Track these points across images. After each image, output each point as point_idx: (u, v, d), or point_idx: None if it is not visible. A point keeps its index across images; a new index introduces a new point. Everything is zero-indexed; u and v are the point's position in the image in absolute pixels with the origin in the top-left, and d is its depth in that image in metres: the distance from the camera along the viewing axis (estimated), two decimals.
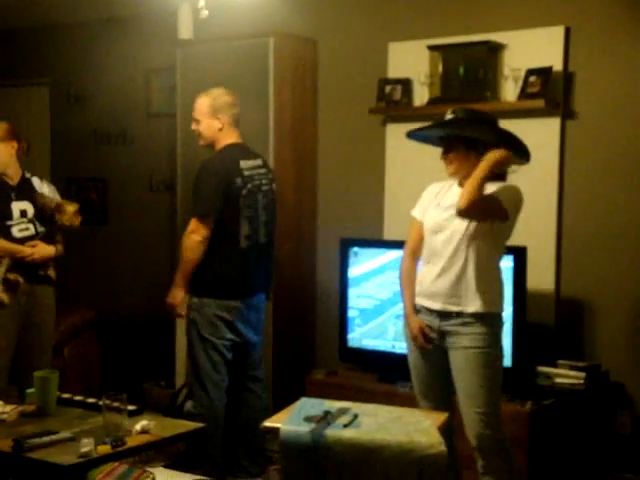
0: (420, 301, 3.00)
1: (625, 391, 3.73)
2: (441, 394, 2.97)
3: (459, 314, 2.88)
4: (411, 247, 3.09)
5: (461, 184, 2.92)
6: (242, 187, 3.58)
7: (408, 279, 3.05)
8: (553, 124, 3.83)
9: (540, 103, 3.73)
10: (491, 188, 2.87)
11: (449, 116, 2.92)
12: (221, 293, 3.58)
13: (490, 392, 2.83)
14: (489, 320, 2.87)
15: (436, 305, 2.93)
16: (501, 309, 2.94)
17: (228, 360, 3.64)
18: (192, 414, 3.54)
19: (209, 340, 3.58)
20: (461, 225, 2.88)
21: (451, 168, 2.93)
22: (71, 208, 3.77)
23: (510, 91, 3.88)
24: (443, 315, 2.91)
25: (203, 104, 3.64)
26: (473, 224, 2.86)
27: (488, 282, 2.88)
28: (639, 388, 3.71)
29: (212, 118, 3.62)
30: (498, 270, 2.95)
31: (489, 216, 2.83)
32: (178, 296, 3.59)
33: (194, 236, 3.50)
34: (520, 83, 3.83)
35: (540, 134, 3.85)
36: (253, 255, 3.64)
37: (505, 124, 3.70)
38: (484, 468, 2.86)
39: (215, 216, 3.51)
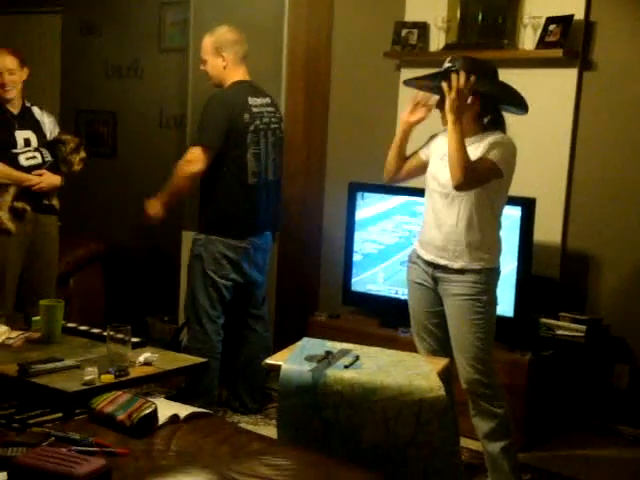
0: (417, 249, 3.01)
1: (625, 345, 3.75)
2: (437, 338, 2.99)
3: (446, 268, 2.89)
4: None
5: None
6: (250, 123, 3.55)
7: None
8: (570, 75, 3.77)
9: (558, 53, 3.67)
10: (485, 141, 2.82)
11: (447, 64, 2.86)
12: (227, 231, 3.58)
13: (479, 339, 2.85)
14: (479, 272, 2.87)
15: (427, 256, 2.95)
16: (494, 264, 2.91)
17: (227, 299, 3.67)
18: (188, 348, 3.59)
19: (211, 277, 3.60)
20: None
21: (445, 119, 2.85)
22: (77, 158, 3.77)
23: (529, 39, 3.81)
24: (433, 265, 2.93)
25: (207, 43, 3.63)
26: None
27: (480, 239, 2.85)
28: (638, 343, 3.73)
29: (216, 56, 3.60)
30: (493, 226, 2.91)
31: (487, 180, 2.80)
32: (155, 207, 3.60)
33: (192, 166, 3.49)
34: (539, 31, 3.75)
35: (557, 84, 3.80)
36: (261, 193, 3.63)
37: (522, 73, 3.68)
38: (473, 410, 2.91)
39: (216, 149, 3.48)
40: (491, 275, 2.90)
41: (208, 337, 3.63)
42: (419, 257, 2.99)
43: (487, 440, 2.91)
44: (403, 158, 3.03)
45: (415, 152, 3.05)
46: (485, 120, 2.87)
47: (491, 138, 2.83)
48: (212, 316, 3.65)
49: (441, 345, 2.98)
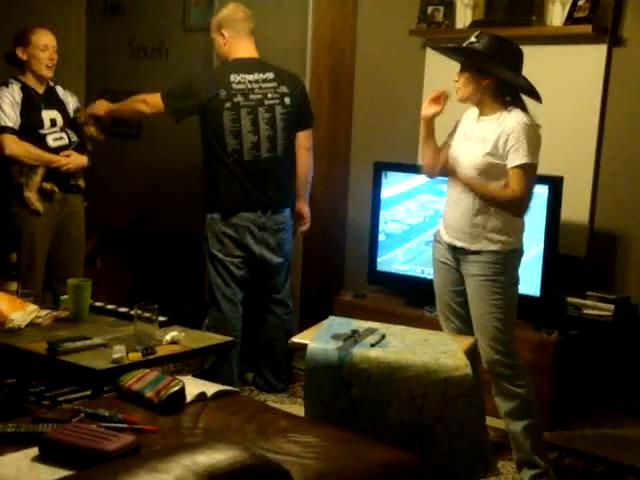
0: (441, 229, 3.00)
1: None
2: (462, 317, 2.98)
3: (464, 249, 2.87)
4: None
5: (480, 112, 2.87)
6: (226, 100, 3.56)
7: None
8: (600, 51, 3.71)
9: (587, 29, 3.61)
10: (503, 125, 2.76)
11: (472, 39, 2.82)
12: (223, 208, 3.62)
13: (498, 319, 2.83)
14: (497, 253, 2.84)
15: (447, 237, 2.94)
16: (514, 246, 2.87)
17: (239, 276, 3.68)
18: (208, 327, 3.61)
19: (216, 256, 3.64)
20: (475, 160, 2.81)
21: (460, 93, 2.85)
22: (92, 128, 3.82)
23: (557, 15, 3.75)
24: (453, 247, 2.92)
25: (213, 22, 3.72)
26: (487, 163, 2.79)
27: (498, 222, 2.81)
28: None
29: (218, 34, 3.67)
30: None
31: (533, 183, 2.78)
32: (102, 106, 3.89)
33: (143, 106, 3.74)
34: (568, 7, 3.69)
35: (585, 61, 3.74)
36: (252, 170, 3.61)
37: (550, 50, 3.64)
38: (495, 390, 2.91)
39: (172, 111, 3.66)
40: (510, 256, 2.86)
41: (225, 317, 3.66)
42: (441, 237, 2.98)
43: (509, 419, 2.91)
44: (437, 152, 2.98)
45: (445, 142, 3.00)
46: (507, 98, 2.82)
47: (509, 123, 2.76)
48: (227, 294, 3.66)
49: (466, 324, 2.97)
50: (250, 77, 3.62)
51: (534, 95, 2.84)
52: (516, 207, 2.79)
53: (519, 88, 2.84)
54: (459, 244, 2.89)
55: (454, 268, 2.96)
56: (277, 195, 3.71)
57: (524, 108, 2.83)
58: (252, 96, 3.61)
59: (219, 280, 3.66)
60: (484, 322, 2.85)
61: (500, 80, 2.79)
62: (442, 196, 3.90)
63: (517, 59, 2.83)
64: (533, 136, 2.76)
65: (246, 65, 3.64)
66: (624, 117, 3.74)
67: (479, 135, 2.84)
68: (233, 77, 3.59)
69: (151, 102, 3.68)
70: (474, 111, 2.95)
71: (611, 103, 3.75)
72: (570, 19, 3.68)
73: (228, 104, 3.56)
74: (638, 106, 3.71)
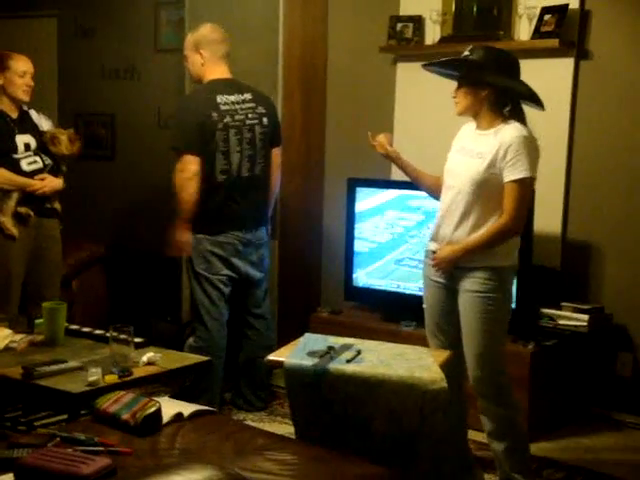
0: (431, 246, 2.96)
1: (627, 333, 3.76)
2: (450, 334, 2.94)
3: (460, 266, 2.84)
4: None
5: (477, 126, 2.85)
6: (218, 121, 3.58)
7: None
8: (567, 64, 3.77)
9: (554, 43, 3.66)
10: (498, 136, 2.75)
11: (466, 53, 2.83)
12: (211, 229, 3.62)
13: (488, 336, 2.81)
14: (492, 269, 2.82)
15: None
16: (508, 262, 2.85)
17: (226, 294, 3.69)
18: (192, 347, 3.60)
19: (204, 275, 3.63)
20: (474, 175, 2.78)
21: (459, 107, 2.85)
22: (63, 137, 3.77)
23: (524, 30, 3.81)
24: None
25: (188, 41, 3.72)
26: (485, 178, 2.76)
27: None
28: None
29: (195, 53, 3.66)
30: None
31: (529, 198, 2.83)
32: (178, 235, 3.60)
33: (181, 174, 3.52)
34: (534, 22, 3.75)
35: (553, 74, 3.79)
36: (232, 190, 3.63)
37: None
38: (480, 408, 2.90)
39: (198, 150, 3.51)
40: (505, 272, 2.84)
41: (211, 336, 3.65)
42: (434, 253, 2.93)
43: (491, 438, 2.91)
44: (427, 179, 3.04)
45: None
46: (505, 110, 2.79)
47: (507, 136, 2.74)
48: (214, 314, 3.66)
49: (453, 343, 2.93)
50: (232, 98, 3.65)
51: (535, 101, 2.83)
52: (511, 231, 2.78)
53: (519, 95, 2.81)
54: None
55: (446, 286, 2.91)
56: (258, 212, 3.76)
57: (523, 120, 2.80)
58: (237, 117, 3.64)
59: (206, 300, 3.65)
60: (473, 338, 2.83)
61: (498, 90, 2.77)
62: (412, 212, 3.97)
63: (514, 67, 2.82)
64: (532, 149, 2.74)
65: (226, 86, 3.66)
66: (593, 129, 3.80)
67: (477, 149, 2.81)
68: (219, 98, 3.61)
69: (183, 165, 3.51)
70: (471, 125, 2.92)
71: (580, 115, 3.80)
72: (537, 33, 3.74)
73: (220, 125, 3.58)
74: (607, 117, 3.77)
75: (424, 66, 3.01)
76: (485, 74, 2.77)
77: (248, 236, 3.69)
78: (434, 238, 2.95)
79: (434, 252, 2.93)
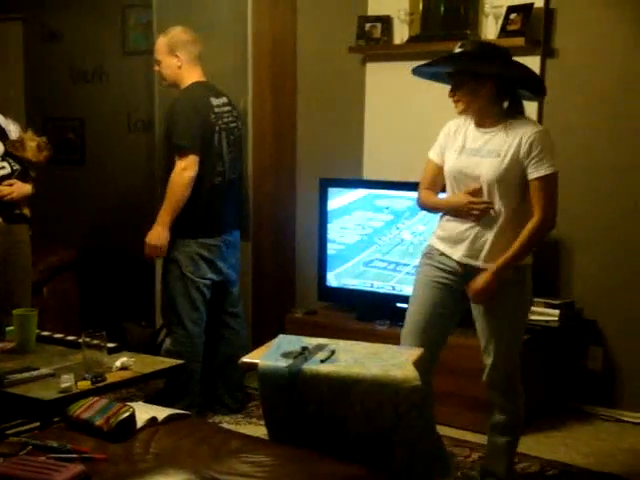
0: (441, 246, 2.87)
1: (597, 327, 3.81)
2: (438, 331, 2.91)
3: (479, 267, 2.79)
4: (426, 185, 2.91)
5: (478, 124, 2.78)
6: (215, 124, 3.59)
7: (429, 197, 2.93)
8: (533, 62, 3.77)
9: (520, 41, 3.70)
10: (515, 133, 2.70)
11: (457, 49, 2.76)
12: (200, 231, 3.59)
13: (515, 329, 2.86)
14: (517, 269, 2.79)
15: (456, 255, 2.83)
16: (529, 261, 2.84)
17: (207, 299, 3.67)
18: (171, 352, 3.59)
19: (191, 279, 3.60)
20: (495, 174, 2.71)
21: (460, 106, 2.76)
22: (33, 143, 3.71)
23: (491, 28, 3.84)
24: (463, 265, 2.83)
25: (160, 44, 3.66)
26: (507, 175, 2.71)
27: (512, 238, 2.74)
28: (611, 325, 3.79)
29: (170, 56, 3.62)
30: (526, 222, 2.77)
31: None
32: (163, 236, 3.55)
33: (186, 173, 3.47)
34: (501, 20, 3.79)
35: None
36: (224, 191, 3.66)
37: None
38: (493, 403, 2.94)
39: (200, 151, 3.49)
40: (525, 272, 2.84)
41: (191, 340, 3.64)
42: (445, 255, 2.85)
43: (494, 432, 2.93)
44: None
45: (434, 166, 2.90)
46: (505, 104, 2.75)
47: (525, 131, 2.69)
48: (195, 319, 3.64)
49: (439, 341, 2.90)
50: (218, 101, 3.66)
51: (539, 87, 2.81)
52: (549, 228, 2.79)
53: (521, 83, 2.75)
54: (474, 263, 2.80)
55: (450, 287, 2.85)
56: (238, 213, 3.81)
57: (524, 113, 2.77)
58: (224, 119, 3.66)
59: (187, 304, 3.62)
60: (500, 335, 2.82)
61: (499, 83, 2.70)
62: (379, 212, 3.99)
63: (507, 56, 2.77)
64: (552, 143, 2.73)
65: (208, 89, 3.66)
66: (560, 126, 3.83)
67: (488, 147, 2.74)
68: (213, 101, 3.62)
69: (188, 164, 3.46)
70: (462, 122, 2.84)
71: (547, 112, 3.84)
72: (503, 32, 3.78)
73: (216, 127, 3.59)
74: (573, 114, 3.82)
75: (414, 71, 2.89)
76: (482, 66, 2.69)
77: (230, 238, 3.72)
78: (449, 240, 2.85)
79: (447, 256, 2.84)
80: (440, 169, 2.89)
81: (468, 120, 2.83)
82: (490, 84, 2.71)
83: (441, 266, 2.88)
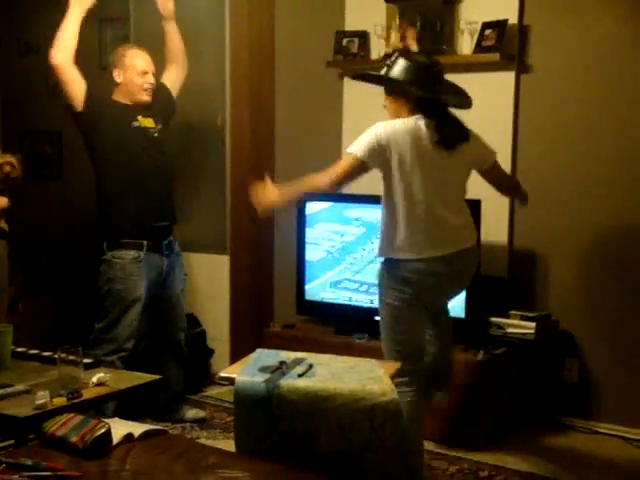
0: (428, 252, 2.93)
1: (573, 340, 3.84)
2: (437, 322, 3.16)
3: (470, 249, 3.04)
4: (342, 181, 3.00)
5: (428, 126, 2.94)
6: None
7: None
8: (508, 78, 3.85)
9: (495, 57, 3.75)
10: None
11: (388, 63, 3.00)
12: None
13: None
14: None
15: (450, 249, 2.95)
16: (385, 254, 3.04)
17: None
18: None
19: None
20: (461, 166, 3.03)
21: (388, 112, 3.05)
22: None
23: (466, 44, 3.89)
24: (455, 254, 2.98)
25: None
26: (468, 168, 3.05)
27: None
28: (586, 337, 3.82)
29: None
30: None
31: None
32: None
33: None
34: (476, 36, 3.83)
35: (495, 88, 3.87)
36: None
37: (461, 77, 3.72)
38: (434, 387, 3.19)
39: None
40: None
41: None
42: (434, 257, 2.92)
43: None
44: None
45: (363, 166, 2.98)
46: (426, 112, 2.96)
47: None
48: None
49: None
50: None
51: (457, 102, 3.01)
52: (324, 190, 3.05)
53: (433, 102, 2.95)
54: (467, 244, 3.02)
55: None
56: None
57: (431, 115, 2.94)
58: None
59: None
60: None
61: (413, 99, 2.95)
62: (347, 224, 4.00)
63: (428, 77, 2.95)
64: (367, 133, 2.94)
65: None
66: (535, 140, 3.88)
67: None
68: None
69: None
70: (406, 125, 2.97)
71: (522, 126, 3.89)
72: (479, 47, 3.82)
73: None
74: (548, 128, 3.86)
75: (354, 77, 3.29)
76: (399, 87, 2.96)
77: None
78: (440, 242, 2.96)
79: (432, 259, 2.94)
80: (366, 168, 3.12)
81: (418, 122, 2.99)
82: (405, 99, 2.97)
83: (439, 268, 2.97)
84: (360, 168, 2.93)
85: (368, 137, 2.92)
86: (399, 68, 2.95)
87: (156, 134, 3.74)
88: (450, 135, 2.94)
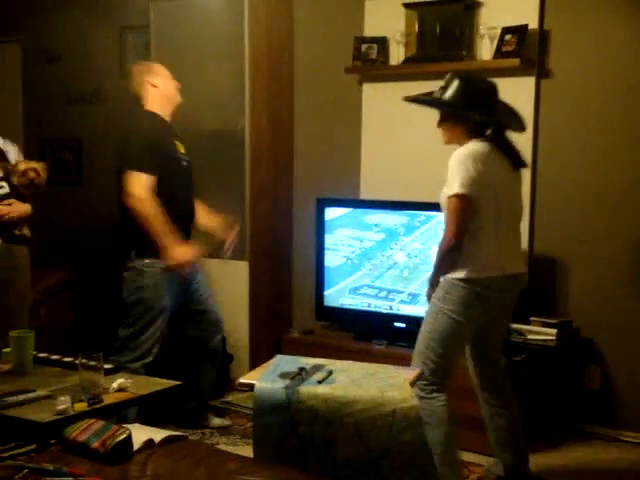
0: (497, 272, 2.97)
1: (595, 346, 3.81)
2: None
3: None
4: (463, 228, 2.90)
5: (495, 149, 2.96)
6: None
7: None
8: (528, 83, 3.83)
9: (515, 62, 3.73)
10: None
11: (443, 85, 2.95)
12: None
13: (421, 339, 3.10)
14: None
15: (515, 269, 3.04)
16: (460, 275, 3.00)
17: None
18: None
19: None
20: (520, 188, 3.11)
21: (444, 138, 3.02)
22: (21, 166, 3.70)
23: (486, 50, 3.88)
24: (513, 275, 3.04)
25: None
26: (442, 199, 2.97)
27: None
28: (608, 343, 3.79)
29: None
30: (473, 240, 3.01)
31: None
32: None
33: None
34: (496, 42, 3.82)
35: (515, 93, 3.81)
36: None
37: None
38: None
39: None
40: (453, 285, 3.00)
41: None
42: (504, 277, 2.98)
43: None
44: None
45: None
46: (487, 132, 2.94)
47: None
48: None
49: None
50: None
51: (514, 125, 3.00)
52: (446, 245, 2.91)
53: (492, 125, 2.93)
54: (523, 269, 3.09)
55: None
56: None
57: (494, 138, 2.92)
58: None
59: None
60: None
61: (471, 124, 2.93)
62: (367, 230, 3.99)
63: (484, 99, 2.94)
64: (460, 167, 2.85)
65: None
66: (556, 145, 3.86)
67: None
68: None
69: None
70: (482, 153, 2.94)
71: (543, 132, 3.87)
72: (499, 53, 3.81)
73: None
74: (569, 134, 3.84)
75: (406, 99, 3.16)
76: (457, 112, 2.92)
77: None
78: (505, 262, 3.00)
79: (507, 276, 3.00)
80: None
81: (490, 150, 2.98)
82: (464, 125, 2.93)
83: (500, 287, 3.03)
84: (472, 205, 2.86)
85: (463, 172, 2.83)
86: (455, 90, 2.91)
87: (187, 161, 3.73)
88: (518, 158, 3.02)
